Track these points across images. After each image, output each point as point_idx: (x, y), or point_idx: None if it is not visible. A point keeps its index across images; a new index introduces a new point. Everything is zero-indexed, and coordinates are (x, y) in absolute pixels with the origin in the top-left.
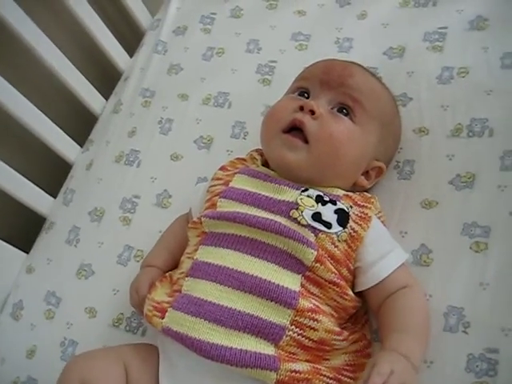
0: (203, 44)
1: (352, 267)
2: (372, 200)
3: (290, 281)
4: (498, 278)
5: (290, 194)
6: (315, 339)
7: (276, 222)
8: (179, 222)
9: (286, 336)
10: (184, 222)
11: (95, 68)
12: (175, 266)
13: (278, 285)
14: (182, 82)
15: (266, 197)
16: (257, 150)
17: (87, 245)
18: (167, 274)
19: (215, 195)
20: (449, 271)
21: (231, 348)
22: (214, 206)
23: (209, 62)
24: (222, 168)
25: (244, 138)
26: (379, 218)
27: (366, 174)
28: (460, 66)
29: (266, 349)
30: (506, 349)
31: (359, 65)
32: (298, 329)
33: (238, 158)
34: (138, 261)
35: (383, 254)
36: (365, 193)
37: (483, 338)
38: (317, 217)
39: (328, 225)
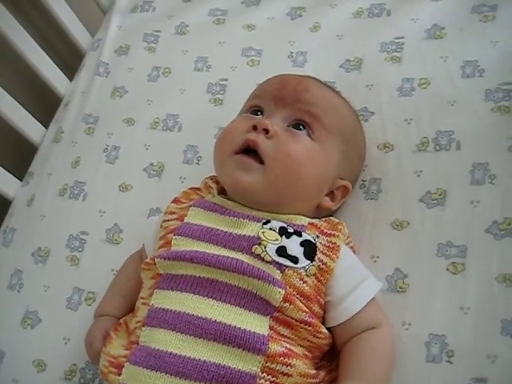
0: (148, 64)
1: (323, 302)
2: (339, 227)
3: (257, 324)
4: (479, 300)
5: (250, 228)
6: None
7: (238, 260)
8: (131, 262)
9: None
10: (137, 260)
11: (32, 94)
12: (132, 310)
13: (245, 330)
14: (127, 105)
15: (225, 232)
16: (211, 178)
17: (32, 289)
18: (122, 321)
19: (169, 232)
20: (427, 296)
21: None
22: (168, 244)
23: (155, 82)
24: (175, 200)
25: (197, 163)
26: (348, 244)
27: (331, 194)
28: (420, 76)
29: None
30: (494, 377)
31: (315, 78)
32: (270, 376)
33: (191, 188)
34: (89, 304)
35: (355, 286)
36: (331, 218)
37: (469, 366)
38: (282, 251)
39: (294, 259)
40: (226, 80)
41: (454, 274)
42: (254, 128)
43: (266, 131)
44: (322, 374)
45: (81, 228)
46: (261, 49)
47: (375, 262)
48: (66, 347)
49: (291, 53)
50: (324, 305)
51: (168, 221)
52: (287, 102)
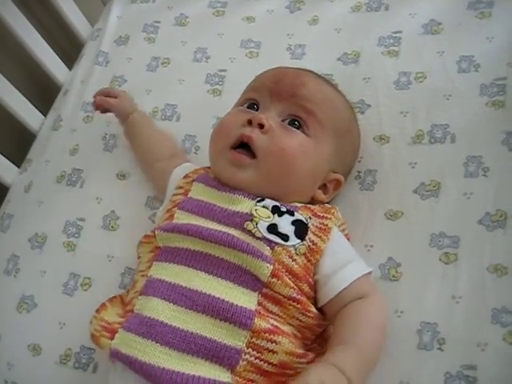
0: (147, 54)
1: (312, 282)
2: (332, 210)
3: (245, 299)
4: (470, 289)
5: (244, 205)
6: (275, 363)
7: (229, 234)
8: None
9: (243, 360)
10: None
11: (31, 82)
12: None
13: (232, 303)
14: None
15: (221, 208)
16: None
17: (28, 274)
18: (117, 296)
19: (175, 206)
20: (419, 285)
21: (183, 373)
22: (172, 217)
23: (154, 72)
24: (186, 176)
25: (195, 153)
26: (342, 230)
27: (324, 187)
28: (417, 70)
29: (221, 375)
30: (484, 365)
31: (311, 72)
32: (255, 352)
33: (203, 167)
34: (85, 289)
35: (342, 265)
36: (325, 204)
37: (459, 354)
38: (272, 229)
39: (285, 237)
40: (224, 71)
41: (447, 263)
42: (250, 123)
43: (261, 126)
44: (311, 355)
45: (78, 214)
46: (260, 41)
47: (369, 250)
48: (61, 331)
49: (290, 45)
50: (314, 285)
51: (176, 195)
52: (283, 97)
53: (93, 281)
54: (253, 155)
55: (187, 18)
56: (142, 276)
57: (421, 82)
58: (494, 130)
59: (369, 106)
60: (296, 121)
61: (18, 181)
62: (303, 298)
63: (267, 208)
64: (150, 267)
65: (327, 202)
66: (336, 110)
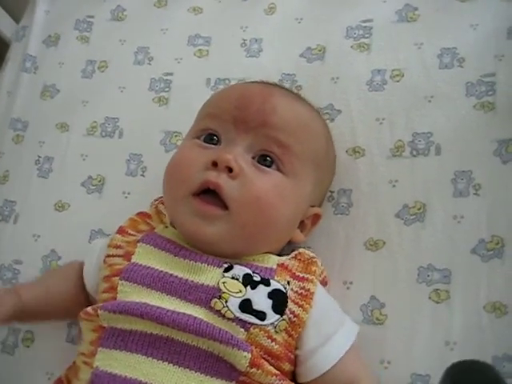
0: (81, 57)
1: (293, 357)
2: (314, 268)
3: None
4: (466, 333)
5: (209, 275)
6: None
7: (195, 319)
8: (67, 272)
9: None
10: (75, 273)
11: None
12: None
13: None
14: (59, 107)
15: (180, 279)
16: (162, 201)
17: None
18: (64, 378)
19: (115, 274)
20: (407, 329)
21: None
22: (113, 289)
23: (90, 79)
24: (121, 231)
25: (142, 175)
26: (321, 275)
27: (301, 224)
28: (393, 67)
29: None
30: None
31: (280, 87)
32: None
33: (140, 215)
34: (27, 345)
35: (326, 338)
36: (301, 252)
37: None
38: (246, 306)
39: (261, 315)
40: (170, 74)
41: (438, 302)
42: (214, 164)
43: (229, 169)
44: None
45: (13, 256)
46: (209, 36)
47: (348, 288)
48: None
49: (244, 40)
50: (294, 359)
51: (113, 256)
52: (251, 126)
53: (36, 335)
54: (222, 205)
55: (125, 10)
56: (86, 364)
57: (397, 81)
58: (484, 138)
59: (339, 111)
60: (268, 156)
61: None
62: (285, 382)
63: (237, 279)
64: (94, 354)
65: None
66: (313, 135)
